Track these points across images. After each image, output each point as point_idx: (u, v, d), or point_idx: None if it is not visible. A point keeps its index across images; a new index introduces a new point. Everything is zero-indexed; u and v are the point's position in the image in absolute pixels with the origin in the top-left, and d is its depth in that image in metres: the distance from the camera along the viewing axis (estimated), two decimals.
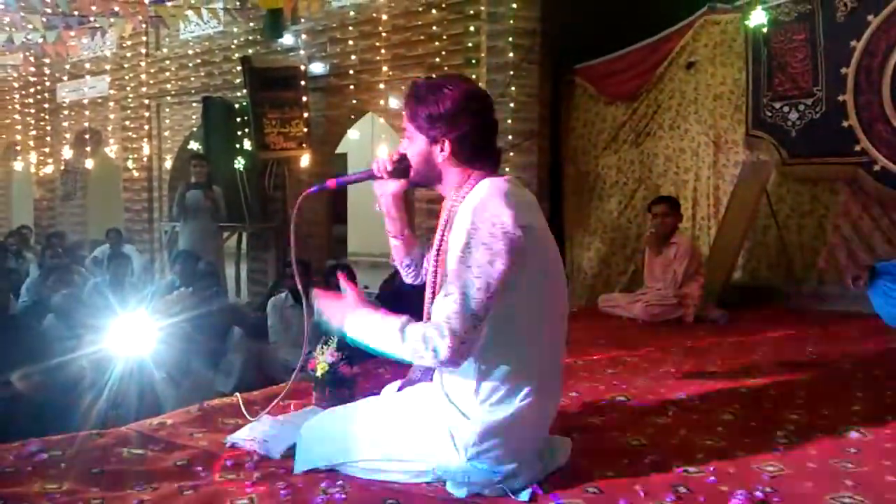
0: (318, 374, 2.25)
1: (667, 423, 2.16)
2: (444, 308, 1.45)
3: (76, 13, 7.14)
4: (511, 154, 5.34)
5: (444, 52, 5.94)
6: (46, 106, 9.94)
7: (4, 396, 2.57)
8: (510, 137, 5.33)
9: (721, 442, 1.95)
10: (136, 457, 1.87)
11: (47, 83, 9.92)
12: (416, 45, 6.13)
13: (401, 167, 1.63)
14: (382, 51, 6.37)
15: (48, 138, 9.93)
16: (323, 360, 2.26)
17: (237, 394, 2.38)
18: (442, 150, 1.56)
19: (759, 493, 1.58)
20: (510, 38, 5.43)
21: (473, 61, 5.72)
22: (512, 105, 5.41)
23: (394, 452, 1.60)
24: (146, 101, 8.55)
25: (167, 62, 8.34)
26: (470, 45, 5.77)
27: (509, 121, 5.36)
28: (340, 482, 1.63)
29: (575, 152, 5.74)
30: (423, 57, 6.07)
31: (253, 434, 1.92)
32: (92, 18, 7.13)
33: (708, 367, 2.90)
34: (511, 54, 5.42)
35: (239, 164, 6.76)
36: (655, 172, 5.31)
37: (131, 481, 1.69)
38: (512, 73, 5.40)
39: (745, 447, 1.90)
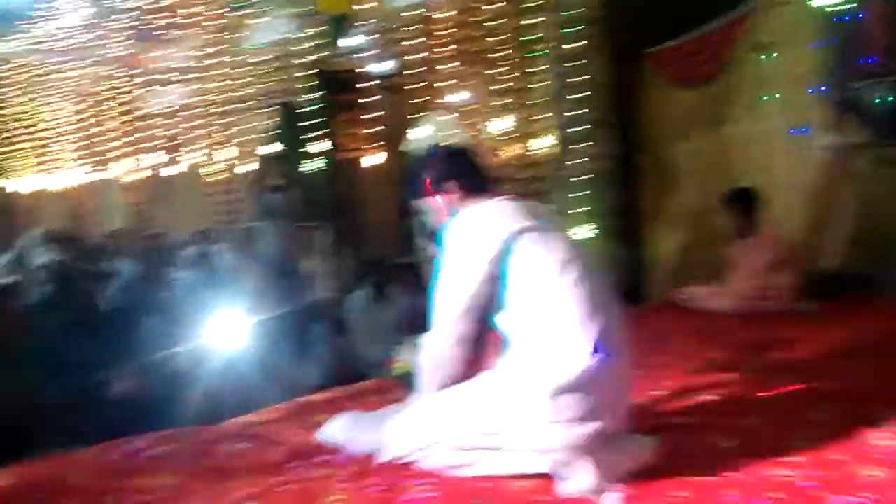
0: (395, 373, 2.29)
1: (757, 422, 2.06)
2: (440, 305, 1.75)
3: (159, 25, 7.53)
4: (580, 146, 5.27)
5: (507, 46, 5.92)
6: (135, 115, 10.47)
7: (108, 396, 2.75)
8: (577, 129, 5.27)
9: (817, 443, 1.85)
10: (235, 453, 1.97)
11: (136, 93, 10.45)
12: (479, 39, 6.13)
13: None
14: (446, 47, 6.41)
15: (138, 145, 10.47)
16: (402, 360, 2.29)
17: (325, 390, 2.48)
18: (447, 196, 1.89)
19: (858, 500, 1.51)
20: (574, 28, 5.34)
21: (537, 53, 5.66)
22: (578, 95, 5.33)
23: (473, 429, 1.67)
24: (226, 108, 8.90)
25: (244, 69, 8.65)
26: (533, 36, 5.72)
27: (576, 111, 5.29)
28: (431, 479, 1.67)
29: (648, 141, 5.60)
30: (487, 51, 6.07)
31: (342, 430, 1.99)
32: (173, 30, 7.50)
33: (798, 362, 2.78)
34: (575, 44, 5.33)
35: (314, 165, 6.97)
36: (734, 159, 5.12)
37: (231, 477, 1.79)
38: (577, 62, 5.32)
39: (843, 450, 1.80)
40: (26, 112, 10.93)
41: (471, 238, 1.75)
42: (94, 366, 2.91)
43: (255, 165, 8.53)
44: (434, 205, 1.92)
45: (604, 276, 1.85)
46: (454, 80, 6.42)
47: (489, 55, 6.07)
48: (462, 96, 6.33)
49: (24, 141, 11.20)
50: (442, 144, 2.00)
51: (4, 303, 3.15)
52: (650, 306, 4.38)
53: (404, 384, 2.28)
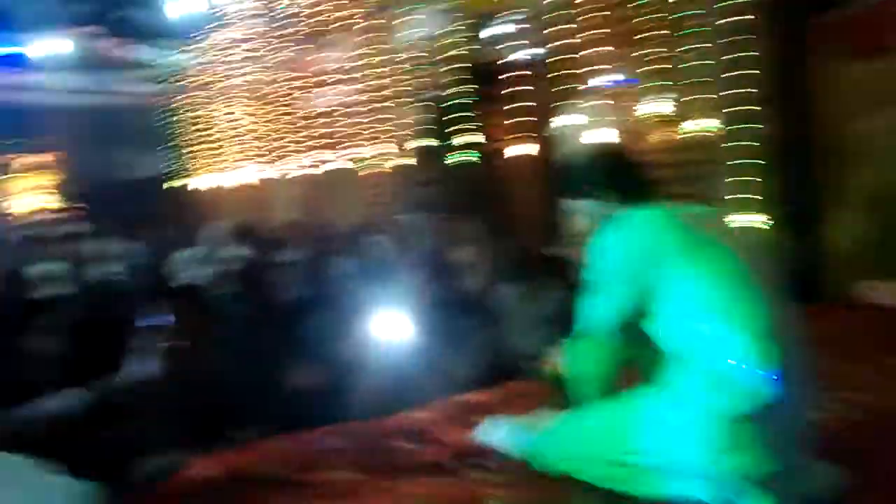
0: (549, 373, 2.29)
1: None
2: (588, 313, 1.76)
3: (320, 30, 8.03)
4: (744, 127, 4.94)
5: (661, 25, 5.64)
6: (302, 114, 11.19)
7: (289, 387, 3.00)
8: (742, 108, 4.94)
9: None
10: (401, 450, 2.10)
11: (299, 94, 11.17)
12: (629, 20, 5.89)
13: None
14: (594, 31, 6.22)
15: (302, 143, 11.21)
16: (552, 362, 2.27)
17: (477, 385, 2.55)
18: (600, 201, 1.83)
19: None
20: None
21: (695, 29, 5.35)
22: (743, 72, 4.99)
23: (636, 447, 1.63)
24: (380, 104, 9.28)
25: (397, 66, 8.96)
26: (689, 11, 5.41)
27: (739, 90, 4.96)
28: (589, 491, 1.68)
29: (822, 120, 5.12)
30: (637, 32, 5.82)
31: (499, 434, 2.04)
32: (332, 33, 7.95)
33: None
34: (738, 17, 4.98)
35: (463, 157, 7.12)
36: None
37: (399, 475, 1.90)
38: (740, 36, 4.97)
39: None
40: (204, 116, 12.04)
41: (623, 247, 1.70)
42: (278, 357, 3.17)
43: (407, 159, 8.85)
44: (587, 208, 1.88)
45: (778, 281, 1.72)
46: (604, 63, 6.24)
47: (642, 34, 5.83)
48: (613, 79, 6.15)
49: (202, 142, 12.36)
50: (599, 145, 1.95)
51: (197, 297, 3.49)
52: (828, 305, 4.02)
53: (556, 387, 2.28)
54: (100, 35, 8.57)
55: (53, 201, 11.55)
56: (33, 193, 11.56)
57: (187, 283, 4.49)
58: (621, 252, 1.70)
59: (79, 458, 2.01)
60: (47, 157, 11.53)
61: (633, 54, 5.91)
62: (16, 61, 8.48)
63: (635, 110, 6.23)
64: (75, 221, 8.73)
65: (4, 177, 11.34)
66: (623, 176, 1.86)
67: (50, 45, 8.94)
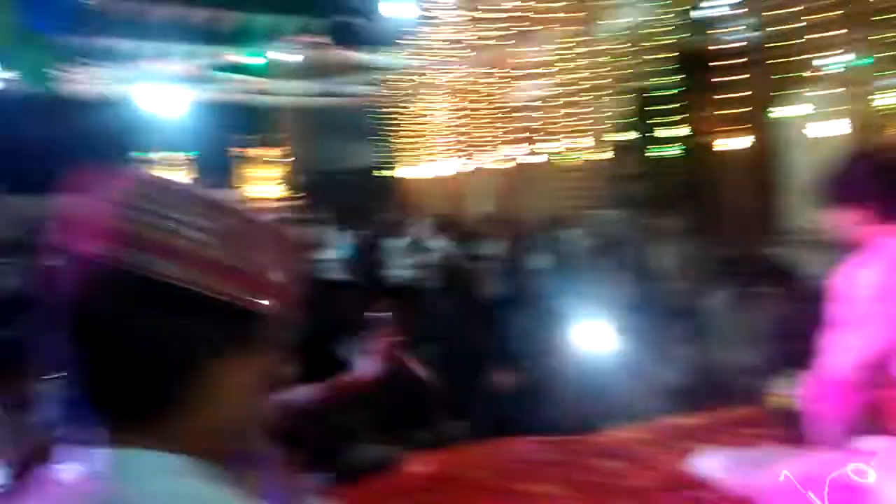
0: (779, 405, 2.14)
1: None
2: (831, 346, 1.63)
3: (520, 23, 8.10)
4: None
5: None
6: (500, 106, 11.37)
7: (492, 389, 3.10)
8: None
9: None
10: (608, 470, 2.08)
11: (500, 86, 11.34)
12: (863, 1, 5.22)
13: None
14: (821, 13, 5.60)
15: (502, 136, 11.39)
16: (780, 392, 2.13)
17: (695, 412, 2.44)
18: (864, 218, 1.64)
19: None
20: None
21: None
22: None
23: None
24: (582, 96, 9.14)
25: (600, 57, 8.76)
26: None
27: None
28: None
29: None
30: (874, 13, 5.14)
31: (717, 464, 1.94)
32: (533, 25, 7.98)
33: None
34: None
35: (669, 150, 6.80)
36: None
37: (606, 497, 1.90)
38: None
39: None
40: (411, 111, 12.70)
41: (883, 280, 1.53)
42: (480, 356, 3.28)
43: (606, 153, 8.64)
44: (843, 221, 1.68)
45: None
46: (833, 48, 5.60)
47: (880, 13, 5.15)
48: (844, 65, 5.52)
49: (409, 136, 13.06)
50: (873, 152, 1.77)
51: (413, 293, 3.71)
52: None
53: (783, 420, 2.12)
54: (324, 44, 9.42)
55: (281, 190, 12.93)
56: (264, 183, 13.04)
57: (403, 279, 4.76)
58: (881, 285, 1.53)
59: (304, 445, 2.24)
60: (277, 152, 12.93)
61: (869, 37, 5.25)
62: (255, 68, 9.62)
63: (870, 100, 5.55)
64: (299, 210, 9.66)
65: (244, 167, 12.93)
66: (889, 188, 1.63)
67: (282, 54, 10.02)
